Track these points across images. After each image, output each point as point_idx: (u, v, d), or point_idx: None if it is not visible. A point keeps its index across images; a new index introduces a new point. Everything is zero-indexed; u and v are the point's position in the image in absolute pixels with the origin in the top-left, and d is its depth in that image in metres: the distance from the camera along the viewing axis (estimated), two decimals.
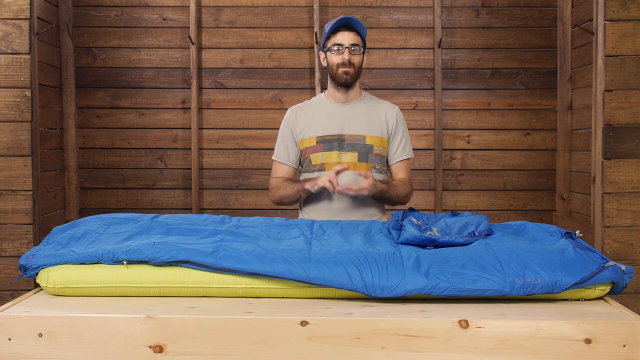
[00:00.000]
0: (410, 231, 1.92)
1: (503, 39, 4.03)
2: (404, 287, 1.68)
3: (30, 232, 3.02)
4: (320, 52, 2.71)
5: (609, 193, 2.90)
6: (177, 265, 1.76)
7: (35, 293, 1.83)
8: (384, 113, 2.69)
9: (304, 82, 4.05)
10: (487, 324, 1.57)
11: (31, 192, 3.02)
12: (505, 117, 4.04)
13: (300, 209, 2.75)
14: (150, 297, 1.77)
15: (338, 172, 2.50)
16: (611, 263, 1.73)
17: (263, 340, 1.58)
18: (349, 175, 2.58)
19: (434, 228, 2.04)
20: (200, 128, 4.06)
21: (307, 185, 2.57)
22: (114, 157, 4.07)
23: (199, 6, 4.03)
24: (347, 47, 2.58)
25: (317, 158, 2.65)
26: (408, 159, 2.71)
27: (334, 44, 2.60)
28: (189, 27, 4.01)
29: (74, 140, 4.00)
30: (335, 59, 2.61)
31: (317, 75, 3.96)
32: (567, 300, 1.74)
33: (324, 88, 3.78)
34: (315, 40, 3.96)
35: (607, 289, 1.75)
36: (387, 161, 2.71)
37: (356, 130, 2.64)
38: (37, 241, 3.02)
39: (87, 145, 4.06)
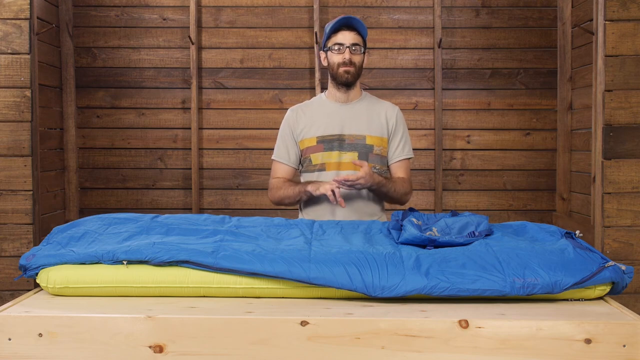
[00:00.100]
0: (410, 231, 1.92)
1: (503, 39, 4.03)
2: (404, 287, 1.68)
3: (30, 232, 3.02)
4: (321, 51, 2.71)
5: (609, 193, 2.90)
6: (177, 265, 1.76)
7: (35, 293, 1.83)
8: (384, 113, 2.69)
9: (304, 82, 4.05)
10: (487, 324, 1.57)
11: (31, 192, 3.02)
12: (505, 117, 4.04)
13: (300, 209, 2.75)
14: (150, 297, 1.76)
15: (340, 182, 2.48)
16: (611, 263, 1.73)
17: (263, 340, 1.58)
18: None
19: (434, 228, 2.04)
20: (200, 128, 4.06)
21: (309, 188, 2.56)
22: (114, 157, 4.07)
23: (199, 6, 4.03)
24: (348, 47, 2.58)
25: (317, 158, 2.65)
26: (408, 158, 2.71)
27: (335, 44, 2.60)
28: (189, 27, 4.01)
29: (74, 140, 4.01)
30: (336, 58, 2.61)
31: (317, 75, 3.96)
32: (567, 300, 1.74)
33: (324, 88, 3.78)
34: (315, 40, 3.96)
35: (607, 289, 1.75)
36: (387, 161, 2.71)
37: (356, 130, 2.64)
38: (37, 241, 3.02)
39: (87, 145, 4.06)
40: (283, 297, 1.76)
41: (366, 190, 2.60)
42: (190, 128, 4.04)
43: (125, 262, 1.76)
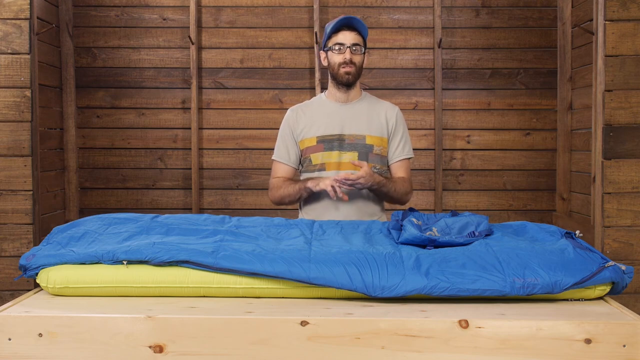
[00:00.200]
0: (410, 231, 1.92)
1: (503, 39, 4.03)
2: (404, 287, 1.68)
3: (30, 232, 3.02)
4: (321, 51, 2.71)
5: (609, 193, 2.90)
6: (177, 265, 1.76)
7: (35, 293, 1.83)
8: (384, 113, 2.70)
9: (304, 82, 4.05)
10: (487, 324, 1.57)
11: (31, 192, 3.02)
12: (505, 117, 4.04)
13: (300, 208, 2.75)
14: (150, 297, 1.76)
15: (341, 181, 2.49)
16: (611, 263, 1.73)
17: (263, 340, 1.58)
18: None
19: (434, 228, 2.04)
20: (200, 128, 4.06)
21: (310, 184, 2.57)
22: (114, 157, 4.07)
23: (199, 6, 4.03)
24: (349, 47, 2.58)
25: (317, 158, 2.65)
26: (408, 158, 2.71)
27: (336, 44, 2.60)
28: (189, 27, 4.01)
29: (74, 140, 4.01)
30: (336, 58, 2.61)
31: (317, 75, 3.96)
32: (567, 300, 1.74)
33: (324, 88, 3.78)
34: (315, 40, 3.96)
35: (607, 289, 1.75)
36: (387, 161, 2.71)
37: (356, 130, 2.64)
38: (37, 241, 3.02)
39: (87, 145, 4.06)
40: (283, 297, 1.76)
41: (366, 190, 2.60)
42: (190, 128, 4.04)
43: (125, 262, 1.76)
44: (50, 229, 2.11)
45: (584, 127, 3.68)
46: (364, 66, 2.67)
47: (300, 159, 2.72)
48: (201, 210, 4.03)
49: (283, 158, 2.71)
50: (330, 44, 2.62)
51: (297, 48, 4.05)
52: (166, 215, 2.21)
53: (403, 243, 1.93)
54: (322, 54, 2.69)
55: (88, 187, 4.07)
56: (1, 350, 1.59)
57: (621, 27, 2.88)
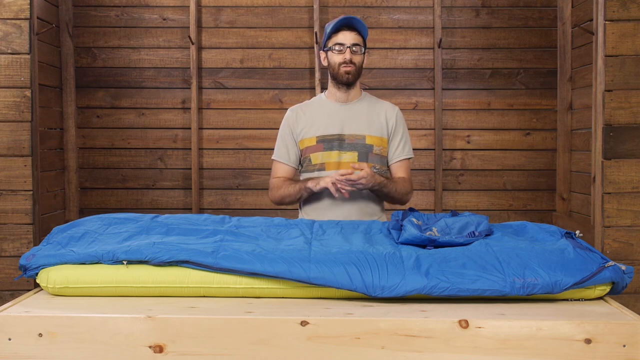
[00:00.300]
0: (410, 231, 1.92)
1: (503, 39, 4.03)
2: (404, 287, 1.68)
3: (30, 232, 3.02)
4: (321, 51, 2.71)
5: (609, 193, 2.90)
6: (177, 265, 1.76)
7: (35, 293, 1.83)
8: (384, 113, 2.70)
9: (304, 82, 4.05)
10: (487, 324, 1.57)
11: (31, 192, 3.02)
12: (505, 117, 4.04)
13: (300, 208, 2.75)
14: (150, 297, 1.76)
15: (342, 176, 2.49)
16: (611, 263, 1.73)
17: (263, 340, 1.58)
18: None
19: (434, 228, 2.04)
20: (200, 128, 4.06)
21: (310, 184, 2.57)
22: (114, 157, 4.07)
23: (199, 6, 4.03)
24: (349, 47, 2.58)
25: (317, 158, 2.65)
26: (408, 158, 2.71)
27: (336, 44, 2.60)
28: (189, 27, 4.01)
29: (74, 140, 4.01)
30: (336, 58, 2.61)
31: (317, 75, 3.96)
32: (567, 300, 1.74)
33: (324, 88, 3.78)
34: (315, 40, 3.96)
35: (607, 289, 1.75)
36: (387, 161, 2.71)
37: (356, 130, 2.64)
38: (37, 241, 3.02)
39: (87, 145, 4.06)
40: (283, 297, 1.76)
41: (367, 190, 2.60)
42: (190, 128, 4.04)
43: (125, 262, 1.76)
44: (50, 229, 2.11)
45: (584, 127, 3.68)
46: (364, 66, 2.67)
47: (300, 159, 2.72)
48: (201, 210, 4.03)
49: (283, 158, 2.71)
50: (330, 44, 2.62)
51: (297, 48, 4.05)
52: (166, 215, 2.21)
53: (403, 243, 1.93)
54: (322, 54, 2.69)
55: (88, 187, 4.07)
56: (1, 350, 1.59)
57: (621, 27, 2.88)
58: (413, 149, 2.77)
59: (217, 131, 4.07)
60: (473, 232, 2.00)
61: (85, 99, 4.05)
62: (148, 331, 1.58)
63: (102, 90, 4.05)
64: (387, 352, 1.57)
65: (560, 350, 1.55)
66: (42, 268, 1.78)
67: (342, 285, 1.70)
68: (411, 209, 2.25)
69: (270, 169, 2.78)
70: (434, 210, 4.03)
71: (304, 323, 1.58)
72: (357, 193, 2.61)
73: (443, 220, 2.12)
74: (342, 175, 2.47)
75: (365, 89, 3.21)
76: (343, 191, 2.47)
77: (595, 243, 2.96)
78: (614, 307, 1.69)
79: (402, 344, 1.57)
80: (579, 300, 1.74)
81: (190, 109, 4.04)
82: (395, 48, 4.05)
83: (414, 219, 2.06)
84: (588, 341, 1.55)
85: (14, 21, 2.99)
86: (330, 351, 1.57)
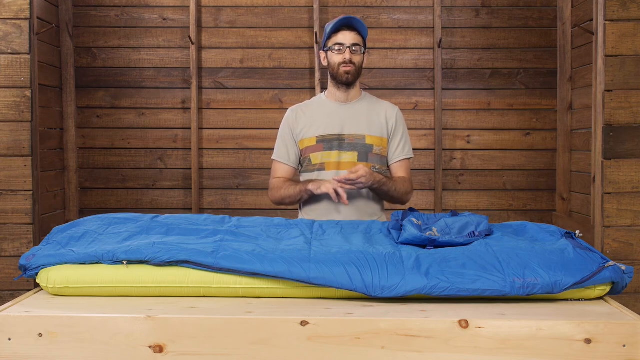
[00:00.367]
0: (410, 231, 1.92)
1: (503, 39, 4.03)
2: (404, 287, 1.68)
3: (30, 232, 3.02)
4: (321, 51, 2.71)
5: (609, 193, 2.90)
6: (177, 265, 1.76)
7: (35, 293, 1.83)
8: (383, 113, 2.70)
9: (304, 82, 4.05)
10: (487, 324, 1.57)
11: (31, 192, 3.02)
12: (505, 117, 4.04)
13: (300, 208, 2.75)
14: (150, 297, 1.76)
15: (342, 181, 2.48)
16: (611, 263, 1.73)
17: (263, 340, 1.58)
18: None
19: (434, 228, 2.04)
20: (200, 128, 4.06)
21: (311, 187, 2.56)
22: (114, 157, 4.07)
23: (199, 6, 4.03)
24: (349, 47, 2.58)
25: (317, 158, 2.65)
26: (408, 158, 2.71)
27: (335, 44, 2.60)
28: (189, 27, 4.01)
29: (74, 140, 4.01)
30: (336, 58, 2.61)
31: (317, 75, 3.96)
32: (567, 300, 1.74)
33: (324, 88, 3.78)
34: (315, 40, 3.96)
35: (607, 289, 1.75)
36: (387, 161, 2.71)
37: (356, 130, 2.64)
38: (37, 241, 3.02)
39: (87, 145, 4.06)
40: (283, 297, 1.76)
41: (367, 190, 2.60)
42: (190, 128, 4.04)
43: (125, 262, 1.76)
44: (50, 229, 2.11)
45: (584, 127, 3.68)
46: (363, 66, 2.67)
47: (300, 159, 2.72)
48: (201, 210, 4.03)
49: (283, 158, 2.71)
50: (330, 44, 2.62)
51: (297, 48, 4.05)
52: (166, 215, 2.21)
53: (403, 243, 1.93)
54: (322, 54, 2.69)
55: (88, 187, 4.07)
56: (1, 350, 1.59)
57: (621, 27, 2.88)
58: (413, 149, 2.77)
59: (217, 131, 4.07)
60: (473, 232, 2.00)
61: (85, 99, 4.05)
62: (148, 331, 1.58)
63: (102, 90, 4.05)
64: (387, 352, 1.57)
65: (560, 350, 1.55)
66: (42, 268, 1.78)
67: (342, 285, 1.70)
68: (411, 209, 2.25)
69: (270, 169, 2.78)
70: (434, 210, 4.04)
71: (304, 323, 1.57)
72: (357, 193, 2.61)
73: (443, 220, 2.12)
74: (340, 181, 2.46)
75: (365, 89, 3.21)
76: (344, 199, 2.47)
77: (595, 243, 2.96)
78: (614, 307, 1.69)
79: (402, 344, 1.57)
80: (579, 300, 1.74)
81: (190, 109, 4.04)
82: (395, 48, 4.05)
83: (414, 219, 2.06)
84: (588, 341, 1.55)
85: (14, 21, 2.99)
86: (330, 351, 1.57)
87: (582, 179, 3.70)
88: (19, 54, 3.00)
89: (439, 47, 3.97)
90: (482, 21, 4.03)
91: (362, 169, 2.47)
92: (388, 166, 2.72)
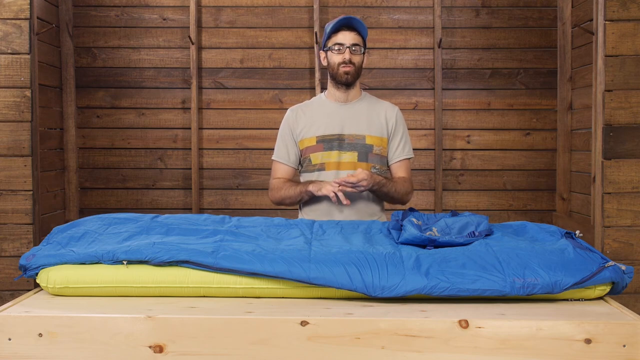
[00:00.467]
0: (410, 231, 1.92)
1: (503, 39, 4.03)
2: (404, 287, 1.68)
3: (30, 232, 3.02)
4: (321, 51, 2.71)
5: (609, 193, 2.90)
6: (177, 265, 1.76)
7: (35, 293, 1.83)
8: (383, 113, 2.70)
9: (304, 82, 4.05)
10: (487, 324, 1.57)
11: (31, 192, 3.02)
12: (505, 117, 4.04)
13: (300, 209, 2.75)
14: (150, 297, 1.76)
15: (342, 183, 2.49)
16: (611, 263, 1.73)
17: (263, 340, 1.58)
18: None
19: (434, 228, 2.04)
20: (200, 128, 4.06)
21: (311, 188, 2.56)
22: (114, 157, 4.07)
23: (199, 6, 4.03)
24: (348, 47, 2.58)
25: (317, 158, 2.65)
26: (408, 158, 2.71)
27: (335, 44, 2.60)
28: (189, 27, 4.01)
29: (74, 140, 4.01)
30: (336, 58, 2.61)
31: (317, 75, 3.96)
32: (567, 300, 1.74)
33: (324, 88, 3.78)
34: (315, 40, 3.96)
35: (607, 289, 1.75)
36: (387, 161, 2.71)
37: (356, 130, 2.64)
38: (37, 241, 3.02)
39: (87, 145, 4.06)
40: (283, 297, 1.76)
41: (367, 190, 2.60)
42: (190, 128, 4.04)
43: (125, 262, 1.76)
44: (50, 229, 2.11)
45: (584, 127, 3.68)
46: (363, 66, 2.67)
47: (300, 159, 2.72)
48: (201, 210, 4.03)
49: (283, 158, 2.70)
50: (329, 44, 2.62)
51: (297, 48, 4.05)
52: (166, 215, 2.21)
53: (403, 243, 1.93)
54: (322, 54, 2.69)
55: (88, 187, 4.07)
56: (1, 350, 1.59)
57: (621, 27, 2.88)
58: (413, 149, 2.77)
59: (217, 131, 4.07)
60: (473, 232, 2.00)
61: (85, 99, 4.05)
62: (148, 331, 1.58)
63: (102, 90, 4.05)
64: (387, 352, 1.57)
65: (560, 350, 1.55)
66: (42, 268, 1.78)
67: (342, 285, 1.70)
68: (411, 209, 2.25)
69: (270, 169, 2.78)
70: (434, 210, 4.04)
71: (304, 323, 1.58)
72: (357, 194, 2.61)
73: (443, 220, 2.12)
74: (341, 183, 2.46)
75: (365, 89, 3.21)
76: (344, 201, 2.47)
77: (595, 243, 2.96)
78: (614, 307, 1.69)
79: (402, 344, 1.57)
80: (579, 300, 1.74)
81: (190, 109, 4.04)
82: (395, 48, 4.05)
83: (414, 219, 2.06)
84: (588, 341, 1.55)
85: (14, 21, 2.99)
86: (330, 351, 1.57)
87: (582, 179, 3.70)
88: (19, 54, 3.00)
89: (439, 47, 3.97)
90: (482, 21, 4.03)
91: (362, 172, 2.46)
92: (388, 166, 2.72)
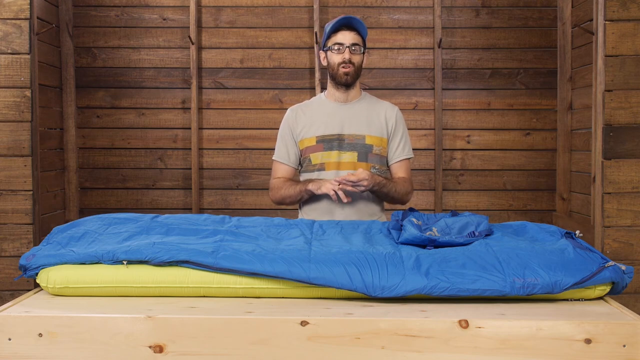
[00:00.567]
0: (410, 231, 1.92)
1: (503, 39, 4.03)
2: (404, 287, 1.68)
3: (30, 232, 3.02)
4: (321, 51, 2.71)
5: (609, 193, 2.90)
6: (177, 265, 1.76)
7: (35, 293, 1.83)
8: (383, 113, 2.70)
9: (304, 82, 4.05)
10: (487, 324, 1.57)
11: (31, 192, 3.02)
12: (505, 117, 4.04)
13: (300, 208, 2.75)
14: (150, 297, 1.76)
15: (343, 182, 2.49)
16: (611, 263, 1.73)
17: (263, 340, 1.58)
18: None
19: (434, 228, 2.04)
20: (200, 128, 4.06)
21: (311, 187, 2.56)
22: (114, 157, 4.07)
23: (199, 6, 4.03)
24: (348, 47, 2.58)
25: (317, 158, 2.65)
26: (408, 158, 2.71)
27: (335, 44, 2.60)
28: (189, 27, 4.01)
29: (74, 140, 4.01)
30: (335, 58, 2.61)
31: (317, 75, 3.96)
32: (567, 300, 1.74)
33: (324, 88, 3.78)
34: (315, 40, 3.96)
35: (607, 289, 1.75)
36: (387, 161, 2.71)
37: (356, 130, 2.64)
38: (37, 241, 3.02)
39: (87, 145, 4.06)
40: (283, 297, 1.76)
41: (367, 191, 2.60)
42: (190, 128, 4.04)
43: (125, 262, 1.76)
44: (50, 229, 2.11)
45: (584, 127, 3.68)
46: (363, 66, 2.67)
47: (300, 159, 2.72)
48: (201, 210, 4.03)
49: (283, 158, 2.71)
50: (329, 43, 2.62)
51: (297, 48, 4.05)
52: (166, 215, 2.21)
53: (403, 243, 1.93)
54: (322, 54, 2.69)
55: (88, 187, 4.07)
56: (1, 350, 1.59)
57: (621, 27, 2.88)
58: (413, 149, 2.77)
59: (217, 131, 4.07)
60: (473, 232, 2.00)
61: (85, 99, 4.05)
62: (148, 331, 1.58)
63: (102, 90, 4.05)
64: (387, 352, 1.57)
65: (560, 350, 1.55)
66: (42, 268, 1.78)
67: (342, 285, 1.70)
68: (411, 209, 2.25)
69: (271, 169, 2.78)
70: (434, 210, 4.04)
71: (304, 323, 1.58)
72: (357, 194, 2.61)
73: (443, 220, 2.12)
74: (341, 182, 2.46)
75: (365, 89, 3.21)
76: (344, 198, 2.47)
77: (595, 243, 2.96)
78: (614, 307, 1.69)
79: (402, 344, 1.57)
80: (579, 300, 1.74)
81: (190, 109, 4.04)
82: (395, 48, 4.05)
83: (414, 219, 2.06)
84: (588, 341, 1.55)
85: (14, 21, 2.99)
86: (330, 351, 1.57)
87: (582, 179, 3.70)
88: (19, 54, 3.00)
89: (439, 47, 3.97)
90: (482, 21, 4.03)
91: (363, 172, 2.47)
92: (388, 166, 2.72)
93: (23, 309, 1.65)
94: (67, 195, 3.99)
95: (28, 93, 3.00)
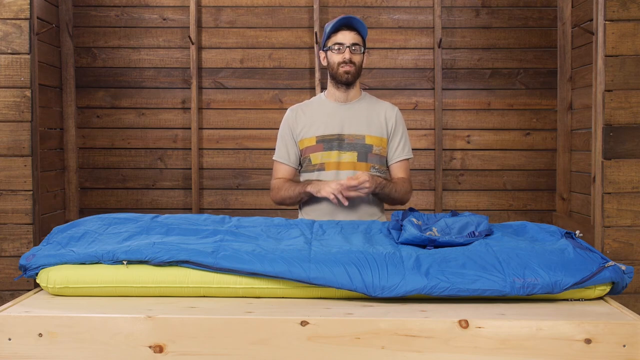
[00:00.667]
0: (410, 231, 1.92)
1: (503, 39, 4.03)
2: (404, 287, 1.68)
3: (30, 232, 3.02)
4: (321, 51, 2.71)
5: (609, 193, 2.90)
6: (177, 265, 1.76)
7: (35, 293, 1.83)
8: (383, 113, 2.70)
9: (304, 82, 4.05)
10: (487, 324, 1.57)
11: (31, 192, 3.02)
12: (505, 117, 4.04)
13: (300, 208, 2.75)
14: (150, 297, 1.76)
15: (345, 187, 2.49)
16: (611, 263, 1.73)
17: (263, 340, 1.58)
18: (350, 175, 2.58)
19: (434, 228, 2.04)
20: (200, 128, 4.06)
21: (310, 189, 2.57)
22: (114, 157, 4.07)
23: (199, 6, 4.03)
24: (348, 47, 2.58)
25: (316, 157, 2.65)
26: (407, 159, 2.71)
27: (335, 43, 2.60)
28: (189, 27, 4.01)
29: (74, 140, 4.01)
30: (335, 58, 2.61)
31: (317, 75, 3.96)
32: (567, 300, 1.74)
33: (324, 88, 3.78)
34: (315, 40, 3.97)
35: (607, 289, 1.75)
36: (386, 161, 2.71)
37: (356, 130, 2.64)
38: (37, 241, 3.02)
39: (87, 145, 4.06)
40: (283, 297, 1.76)
41: None
42: (190, 128, 4.04)
43: (125, 262, 1.76)
44: (50, 229, 2.11)
45: (584, 127, 3.68)
46: (363, 66, 2.67)
47: (300, 159, 2.72)
48: (201, 210, 4.03)
49: (283, 158, 2.71)
50: (329, 43, 2.62)
51: (297, 48, 4.05)
52: (166, 215, 2.21)
53: (403, 243, 1.93)
54: (322, 54, 2.69)
55: (88, 187, 4.07)
56: (1, 350, 1.59)
57: (621, 27, 2.88)
58: (413, 149, 2.77)
59: (217, 131, 4.07)
60: (473, 232, 2.00)
61: (85, 99, 4.05)
62: (148, 331, 1.58)
63: (102, 90, 4.05)
64: (387, 352, 1.57)
65: (560, 350, 1.55)
66: (42, 268, 1.78)
67: (342, 285, 1.70)
68: (411, 209, 2.25)
69: (271, 169, 2.78)
70: (434, 210, 4.04)
71: (304, 323, 1.58)
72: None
73: (443, 220, 2.12)
74: (343, 189, 2.46)
75: (365, 89, 3.21)
76: (344, 202, 2.48)
77: (595, 243, 2.96)
78: (614, 307, 1.69)
79: (402, 344, 1.57)
80: (579, 300, 1.74)
81: (190, 109, 4.04)
82: (395, 48, 4.05)
83: (414, 219, 2.06)
84: (588, 341, 1.55)
85: (14, 21, 2.99)
86: (330, 351, 1.57)
87: (582, 179, 3.70)
88: (19, 54, 3.00)
89: (439, 47, 3.97)
90: (482, 21, 4.03)
91: (363, 174, 2.46)
92: (387, 166, 2.72)
93: (23, 309, 1.65)
94: (67, 195, 3.99)
95: (28, 93, 3.00)
